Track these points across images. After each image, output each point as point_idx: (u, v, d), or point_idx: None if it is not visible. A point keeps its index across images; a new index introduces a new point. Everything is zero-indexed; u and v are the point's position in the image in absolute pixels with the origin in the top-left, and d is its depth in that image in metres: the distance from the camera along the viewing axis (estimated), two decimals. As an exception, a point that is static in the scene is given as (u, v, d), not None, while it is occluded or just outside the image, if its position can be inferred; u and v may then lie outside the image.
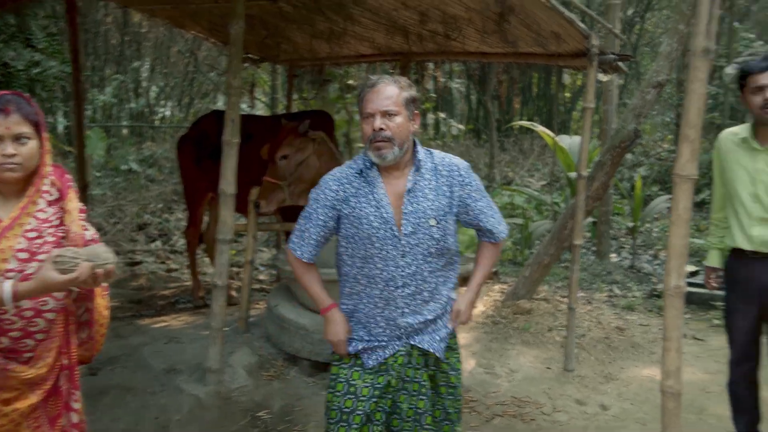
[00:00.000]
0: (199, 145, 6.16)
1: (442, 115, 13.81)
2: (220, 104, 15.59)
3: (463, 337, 5.77)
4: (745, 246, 3.69)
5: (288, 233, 6.36)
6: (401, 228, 2.75)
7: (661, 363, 2.68)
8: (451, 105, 19.43)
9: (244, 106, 12.05)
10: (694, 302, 7.12)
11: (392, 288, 2.77)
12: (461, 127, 17.35)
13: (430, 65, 7.05)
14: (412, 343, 2.84)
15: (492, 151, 15.79)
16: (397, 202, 2.78)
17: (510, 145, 18.86)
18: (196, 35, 7.18)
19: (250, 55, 7.33)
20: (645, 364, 5.61)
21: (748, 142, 3.68)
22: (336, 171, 2.89)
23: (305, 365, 4.87)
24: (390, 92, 2.74)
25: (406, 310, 2.79)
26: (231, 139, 4.34)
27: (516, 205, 11.02)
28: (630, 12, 19.33)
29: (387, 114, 2.73)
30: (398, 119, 2.74)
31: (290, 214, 6.05)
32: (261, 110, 14.26)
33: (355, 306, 2.87)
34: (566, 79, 8.81)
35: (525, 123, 11.38)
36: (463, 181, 2.89)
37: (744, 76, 3.64)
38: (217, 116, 6.31)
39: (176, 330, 5.57)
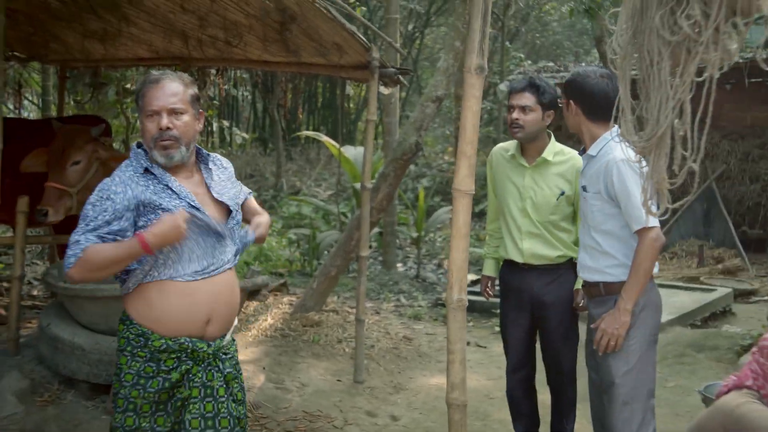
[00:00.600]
0: None
1: (226, 123, 13.52)
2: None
3: (251, 351, 5.62)
4: (517, 258, 3.88)
5: (61, 246, 5.88)
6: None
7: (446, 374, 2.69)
8: (237, 113, 19.13)
9: (10, 107, 11.15)
10: (476, 310, 7.41)
11: None
12: (245, 135, 17.13)
13: (212, 71, 6.83)
14: None
15: (279, 161, 15.72)
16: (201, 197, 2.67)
17: (297, 154, 18.91)
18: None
19: (15, 54, 6.73)
20: (432, 373, 5.74)
21: (516, 159, 3.89)
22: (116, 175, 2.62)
23: (83, 388, 4.51)
24: (175, 89, 2.58)
25: None
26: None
27: (303, 215, 11.02)
28: (410, 27, 20.07)
29: (174, 112, 2.56)
30: (185, 117, 2.59)
31: (63, 226, 5.61)
32: (33, 113, 13.24)
33: None
34: (349, 90, 8.91)
35: (310, 133, 11.45)
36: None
37: (509, 93, 3.95)
38: None
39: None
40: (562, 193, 3.81)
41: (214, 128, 15.80)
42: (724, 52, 2.23)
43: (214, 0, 4.56)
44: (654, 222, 3.06)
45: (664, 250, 10.36)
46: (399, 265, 10.09)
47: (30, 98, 13.56)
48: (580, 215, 3.51)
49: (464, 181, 2.58)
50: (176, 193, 2.57)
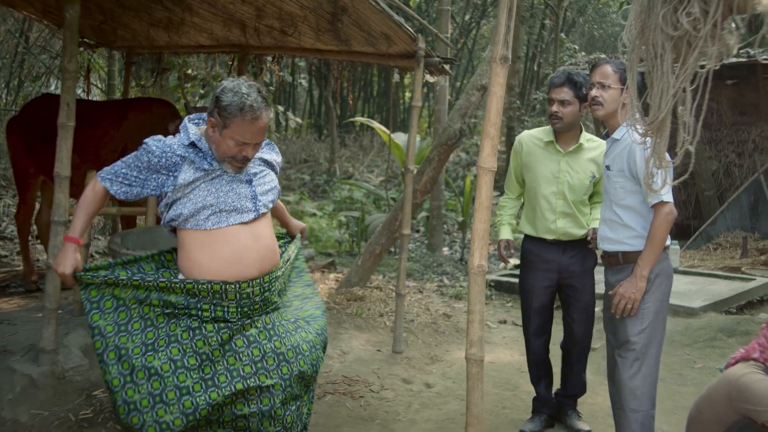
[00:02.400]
0: (29, 129, 6.02)
1: (281, 108, 13.92)
2: (52, 88, 14.91)
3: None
4: (549, 236, 4.27)
5: (126, 218, 6.33)
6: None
7: (467, 332, 2.98)
8: (294, 99, 19.56)
9: (78, 91, 11.68)
10: (516, 292, 7.67)
11: None
12: (299, 120, 17.52)
13: (269, 59, 7.17)
14: None
15: (333, 146, 16.09)
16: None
17: (350, 140, 19.25)
18: (28, 16, 6.94)
19: (85, 40, 7.17)
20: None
21: (553, 146, 4.24)
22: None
23: (140, 345, 4.90)
24: (266, 122, 2.89)
25: None
26: (66, 122, 4.32)
27: (355, 199, 11.34)
28: (467, 17, 20.22)
29: (258, 144, 2.91)
30: (259, 147, 2.96)
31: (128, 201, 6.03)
32: (97, 96, 13.80)
33: None
34: (396, 77, 9.20)
35: (363, 119, 11.72)
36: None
37: (549, 87, 4.23)
38: (49, 99, 6.18)
39: (8, 313, 5.42)
40: (593, 176, 4.23)
41: (271, 114, 16.21)
42: (722, 45, 2.49)
43: (270, -8, 4.89)
44: (669, 197, 3.41)
45: (708, 241, 10.43)
46: (445, 248, 10.37)
47: (96, 83, 14.11)
48: (602, 192, 3.81)
49: (487, 159, 2.88)
50: (212, 167, 2.91)
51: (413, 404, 4.80)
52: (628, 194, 3.56)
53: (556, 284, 4.32)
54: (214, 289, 2.78)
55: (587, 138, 4.28)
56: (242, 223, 2.90)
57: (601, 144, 4.24)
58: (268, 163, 3.14)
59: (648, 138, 2.66)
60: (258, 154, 3.09)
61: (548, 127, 4.32)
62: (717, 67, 2.49)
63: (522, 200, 4.50)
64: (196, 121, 3.04)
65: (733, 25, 2.48)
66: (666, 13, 2.49)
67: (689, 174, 2.76)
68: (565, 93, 4.11)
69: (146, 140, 2.96)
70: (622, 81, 3.58)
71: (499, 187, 11.08)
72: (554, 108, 4.14)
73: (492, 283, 7.92)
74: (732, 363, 3.47)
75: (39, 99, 6.43)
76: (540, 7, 16.67)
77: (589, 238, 4.20)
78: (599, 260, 3.99)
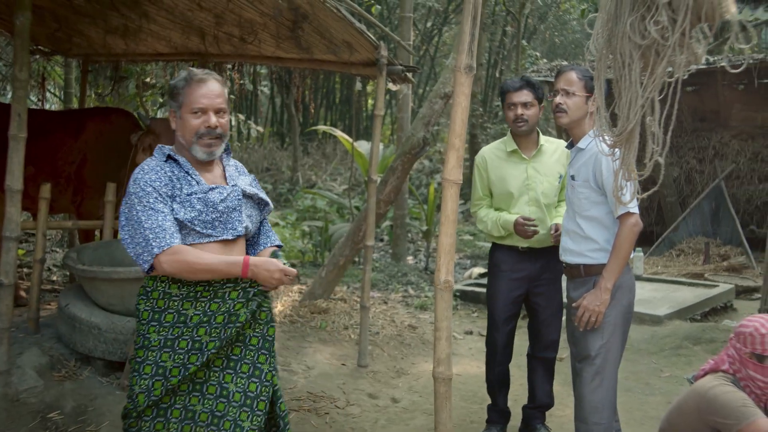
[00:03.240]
0: None
1: (242, 117, 13.78)
2: (9, 96, 14.61)
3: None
4: (521, 244, 4.22)
5: (82, 231, 6.15)
6: None
7: (433, 350, 2.89)
8: (255, 108, 19.40)
9: (34, 99, 11.42)
10: (482, 302, 7.62)
11: None
12: (261, 129, 17.38)
13: (228, 66, 7.04)
14: None
15: (295, 155, 15.96)
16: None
17: (313, 149, 19.14)
18: (-23, 22, 6.74)
19: (39, 48, 6.99)
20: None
21: (518, 154, 4.21)
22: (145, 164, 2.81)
23: (99, 365, 4.74)
24: (219, 89, 2.77)
25: None
26: (18, 133, 4.17)
27: (318, 208, 11.23)
28: (429, 24, 20.23)
29: (219, 111, 2.76)
30: (227, 116, 2.80)
31: (84, 212, 5.87)
32: (54, 105, 13.53)
33: None
34: (358, 86, 9.13)
35: (325, 128, 11.64)
36: (255, 182, 3.07)
37: (503, 93, 4.21)
38: None
39: (-44, 334, 5.22)
40: (561, 176, 4.25)
41: (232, 122, 16.06)
42: (690, 54, 2.43)
43: (230, -1, 4.78)
44: (635, 209, 3.37)
45: (671, 248, 10.51)
46: (409, 257, 10.29)
47: (52, 91, 13.84)
48: (566, 203, 3.75)
49: (453, 172, 2.80)
50: (195, 180, 2.76)
51: (380, 420, 4.71)
52: (593, 205, 3.51)
53: (525, 293, 4.29)
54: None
55: (545, 140, 4.29)
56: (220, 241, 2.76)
57: (559, 144, 4.30)
58: (257, 204, 2.97)
59: (616, 149, 2.60)
60: (252, 189, 2.93)
61: (506, 138, 4.32)
62: (685, 76, 2.45)
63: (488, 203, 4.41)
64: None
65: (701, 33, 2.43)
66: (634, 22, 2.44)
67: (658, 185, 2.70)
68: (526, 95, 4.12)
69: (130, 183, 2.73)
70: (588, 89, 3.53)
71: (464, 194, 11.04)
72: (519, 111, 4.12)
73: (457, 293, 7.86)
74: (701, 375, 3.45)
75: None
76: (501, 14, 16.74)
77: (552, 233, 4.13)
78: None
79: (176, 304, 2.71)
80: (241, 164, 3.08)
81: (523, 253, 4.24)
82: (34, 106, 9.81)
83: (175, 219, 2.66)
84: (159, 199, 2.65)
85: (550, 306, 4.28)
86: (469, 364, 5.89)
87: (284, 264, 2.76)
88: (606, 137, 2.57)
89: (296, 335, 6.00)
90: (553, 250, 4.15)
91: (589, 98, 3.53)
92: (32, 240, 8.41)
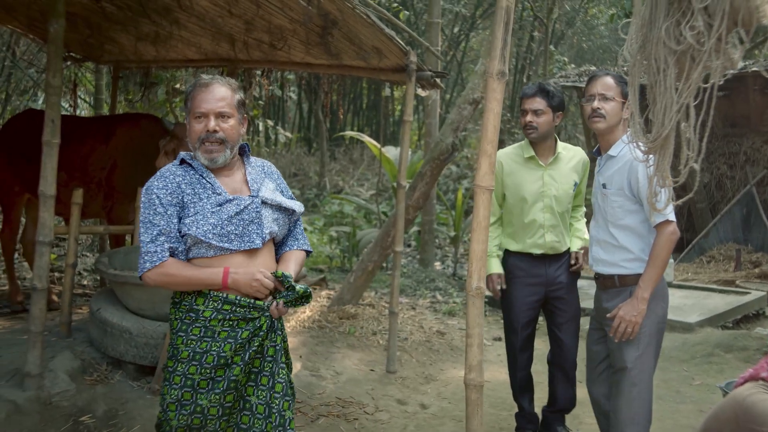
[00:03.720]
0: (12, 145, 5.90)
1: (270, 122, 13.86)
2: (40, 102, 14.81)
3: (289, 341, 5.83)
4: (537, 251, 4.23)
5: (113, 236, 6.23)
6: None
7: (465, 356, 2.88)
8: (283, 113, 19.49)
9: (65, 105, 11.57)
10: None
11: None
12: (289, 135, 17.45)
13: (258, 72, 7.08)
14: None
15: (322, 160, 16.01)
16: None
17: (340, 154, 19.19)
18: (14, 30, 6.85)
19: (72, 54, 7.08)
20: (463, 366, 5.89)
21: (535, 160, 4.22)
22: (159, 172, 2.83)
23: (130, 369, 4.78)
24: (224, 93, 2.76)
25: None
26: (51, 139, 4.23)
27: (345, 214, 11.24)
28: (456, 29, 20.22)
29: (221, 115, 2.74)
30: (231, 121, 2.76)
31: (115, 217, 5.94)
32: (85, 111, 13.70)
33: None
34: (387, 91, 9.12)
35: (353, 133, 11.66)
36: (282, 183, 3.04)
37: (520, 98, 4.24)
38: (32, 115, 6.08)
39: (-7, 335, 5.29)
40: (576, 184, 4.28)
41: (260, 128, 16.15)
42: (726, 60, 2.40)
43: (259, 6, 4.78)
44: (673, 216, 3.32)
45: (702, 254, 10.39)
46: (437, 263, 10.28)
47: (83, 97, 14.01)
48: (595, 212, 3.70)
49: (485, 178, 2.78)
50: (210, 184, 2.76)
51: (408, 426, 4.70)
52: (627, 214, 3.46)
53: (543, 298, 4.29)
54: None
55: (563, 147, 4.31)
56: (243, 251, 2.76)
57: (576, 151, 4.34)
58: (284, 210, 2.92)
59: (651, 155, 2.57)
60: (277, 199, 2.88)
61: (524, 143, 4.31)
62: (721, 82, 2.42)
63: (498, 223, 4.42)
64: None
65: (737, 38, 2.40)
66: (669, 27, 2.41)
67: (693, 191, 2.67)
68: (538, 103, 4.12)
69: (143, 190, 2.79)
70: (623, 94, 3.50)
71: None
72: (528, 118, 4.14)
73: (486, 300, 7.82)
74: (740, 383, 3.40)
75: (22, 114, 6.32)
76: (529, 19, 16.67)
77: (572, 263, 4.22)
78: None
79: (203, 319, 2.72)
80: (269, 164, 3.04)
81: (537, 259, 4.25)
82: (65, 112, 9.94)
83: (188, 234, 2.67)
84: (159, 209, 2.68)
85: (569, 309, 4.28)
86: (498, 371, 5.85)
87: (299, 288, 2.76)
88: (641, 143, 2.54)
89: (325, 341, 6.01)
90: (566, 255, 4.26)
91: (624, 104, 3.49)
92: (63, 245, 8.52)
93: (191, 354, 2.71)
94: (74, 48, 6.90)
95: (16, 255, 6.70)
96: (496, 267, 4.34)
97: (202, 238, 2.66)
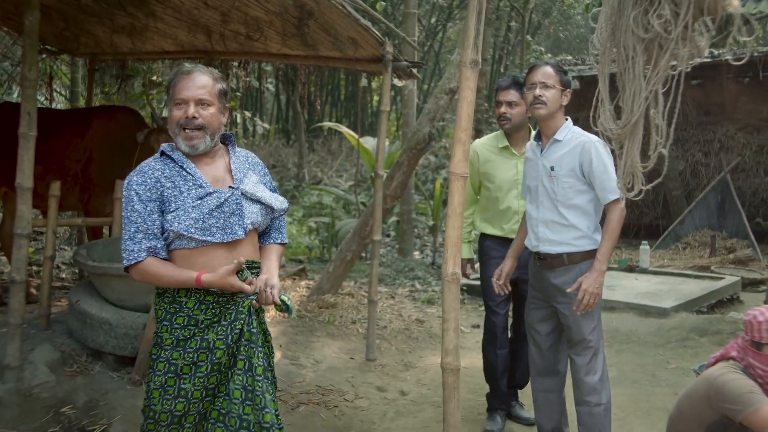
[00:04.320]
0: None
1: (248, 114, 13.83)
2: (15, 96, 14.68)
3: (270, 331, 5.88)
4: (511, 236, 4.36)
5: (91, 228, 6.22)
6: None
7: (441, 341, 2.93)
8: (261, 104, 19.43)
9: (41, 98, 11.48)
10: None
11: None
12: (267, 126, 17.42)
13: (235, 64, 7.07)
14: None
15: (301, 151, 16.00)
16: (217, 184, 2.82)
17: (319, 145, 19.17)
18: (-15, 22, 6.80)
19: (47, 47, 7.03)
20: (441, 352, 6.01)
21: (509, 150, 4.39)
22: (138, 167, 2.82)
23: (110, 360, 4.79)
24: (205, 81, 2.77)
25: None
26: (27, 132, 4.22)
27: (324, 204, 11.28)
28: (433, 20, 20.25)
29: (201, 103, 2.75)
30: (211, 109, 2.77)
31: (92, 210, 5.93)
32: (61, 104, 13.59)
33: None
34: (364, 82, 9.15)
35: (330, 124, 11.69)
36: (266, 177, 3.04)
37: (495, 90, 4.40)
38: (7, 108, 6.04)
39: (-31, 330, 5.27)
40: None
41: (238, 119, 16.10)
42: (693, 47, 2.46)
43: (235, -3, 4.81)
44: (621, 193, 3.46)
45: (677, 241, 10.52)
46: (416, 252, 10.33)
47: (59, 90, 13.90)
48: (537, 194, 3.77)
49: (459, 165, 2.84)
50: (190, 175, 2.76)
51: (388, 413, 4.75)
52: (577, 194, 3.64)
53: (515, 279, 4.37)
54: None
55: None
56: (225, 243, 2.76)
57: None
58: (262, 203, 2.89)
59: (621, 142, 2.63)
60: (257, 193, 2.86)
61: (498, 133, 4.48)
62: (688, 69, 2.48)
63: (473, 210, 4.62)
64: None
65: (704, 26, 2.46)
66: (637, 16, 2.47)
67: (662, 176, 2.73)
68: (512, 95, 4.29)
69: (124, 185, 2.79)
70: (562, 83, 3.66)
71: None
72: (502, 109, 4.32)
73: (464, 287, 7.89)
74: (711, 363, 3.49)
75: None
76: (506, 9, 16.73)
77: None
78: None
79: (187, 309, 2.75)
80: (253, 156, 3.05)
81: (510, 241, 4.35)
82: (41, 105, 9.86)
83: (170, 230, 2.68)
84: (137, 206, 2.69)
85: None
86: (477, 357, 5.90)
87: (291, 307, 2.85)
88: (611, 130, 2.60)
89: (304, 330, 6.04)
90: None
91: (563, 91, 3.67)
92: (40, 238, 8.48)
93: (175, 341, 2.74)
94: (49, 41, 6.86)
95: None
96: (467, 252, 4.56)
97: (185, 233, 2.67)
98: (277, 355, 5.42)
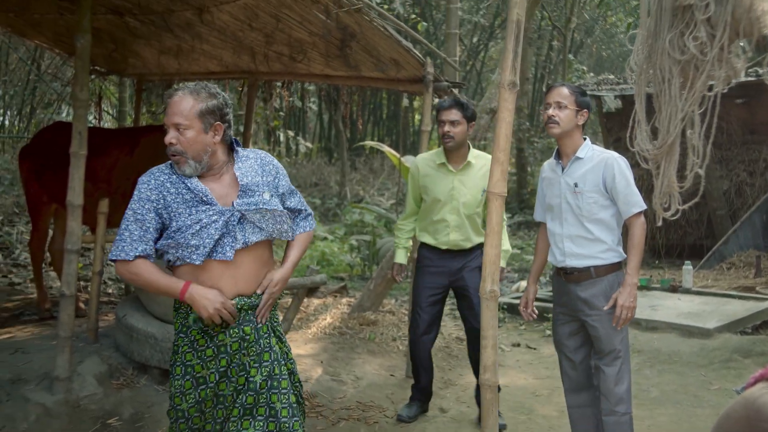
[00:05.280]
0: (41, 157, 6.08)
1: (291, 133, 14.02)
2: (64, 115, 15.08)
3: (311, 347, 5.99)
4: (443, 246, 4.74)
5: None
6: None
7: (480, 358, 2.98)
8: (303, 124, 19.67)
9: (90, 118, 11.78)
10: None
11: None
12: (309, 145, 17.61)
13: (278, 84, 7.21)
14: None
15: (343, 170, 16.14)
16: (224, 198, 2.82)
17: (361, 164, 19.32)
18: (39, 45, 7.03)
19: (97, 68, 7.25)
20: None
21: (445, 167, 4.69)
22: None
23: (155, 373, 4.90)
24: (184, 105, 2.71)
25: None
26: (78, 150, 4.37)
27: (366, 223, 11.35)
28: (475, 39, 20.33)
29: (178, 127, 2.71)
30: (189, 133, 2.71)
31: None
32: (108, 123, 13.95)
33: None
34: (406, 101, 9.21)
35: (372, 143, 11.76)
36: (279, 175, 3.00)
37: (437, 110, 4.68)
38: (60, 127, 6.25)
39: (22, 341, 5.40)
40: (484, 191, 4.58)
41: (281, 138, 16.31)
42: (730, 69, 2.50)
43: (279, 20, 4.92)
44: (644, 205, 3.62)
45: (721, 261, 10.38)
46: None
47: (107, 109, 14.26)
48: (561, 210, 3.80)
49: (497, 185, 2.90)
50: (187, 188, 2.77)
51: (427, 429, 4.79)
52: (601, 209, 3.70)
53: (447, 286, 4.81)
54: None
55: (475, 155, 4.75)
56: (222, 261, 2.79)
57: (488, 160, 4.52)
58: (249, 188, 2.88)
59: (658, 162, 2.67)
60: (261, 206, 2.85)
61: (439, 150, 4.78)
62: (725, 90, 2.51)
63: (413, 219, 4.95)
64: None
65: (740, 48, 2.49)
66: (673, 38, 2.52)
67: (698, 196, 2.76)
68: (454, 114, 4.56)
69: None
70: (578, 103, 3.71)
71: (510, 208, 11.02)
72: (446, 128, 4.58)
73: (504, 306, 7.90)
74: (752, 383, 3.46)
75: (50, 127, 6.51)
76: (547, 28, 16.76)
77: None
78: None
79: (201, 323, 2.80)
80: (265, 154, 3.01)
81: (443, 252, 4.74)
82: (90, 125, 10.12)
83: (167, 242, 2.74)
84: (138, 207, 2.75)
85: (474, 299, 4.64)
86: (517, 376, 5.93)
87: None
88: (648, 150, 2.64)
89: (345, 346, 6.11)
90: (468, 251, 4.75)
91: (579, 112, 3.72)
92: (88, 254, 8.69)
93: (190, 344, 2.81)
94: (99, 62, 7.07)
95: (43, 264, 6.86)
96: (400, 257, 5.00)
97: (181, 257, 2.74)
98: (319, 371, 5.49)
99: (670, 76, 2.54)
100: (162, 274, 2.77)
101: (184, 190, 2.77)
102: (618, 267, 3.74)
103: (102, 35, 5.85)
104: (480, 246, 4.71)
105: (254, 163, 2.92)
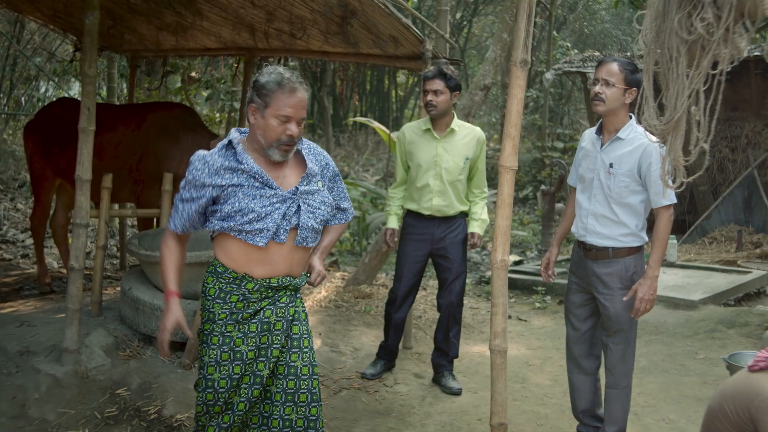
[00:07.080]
0: (46, 133, 6.12)
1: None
2: (42, 90, 14.93)
3: (309, 320, 6.09)
4: (426, 212, 4.93)
5: (142, 219, 6.44)
6: None
7: (490, 324, 3.11)
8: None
9: (73, 93, 11.71)
10: (518, 287, 7.88)
11: None
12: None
13: (271, 60, 7.24)
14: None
15: (328, 146, 16.19)
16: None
17: (345, 140, 19.35)
18: (35, 20, 7.01)
19: (90, 44, 7.23)
20: (475, 342, 6.20)
21: (430, 133, 4.90)
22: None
23: (162, 345, 5.00)
24: (305, 100, 2.82)
25: None
26: (87, 126, 4.42)
27: (352, 198, 11.45)
28: (458, 16, 20.35)
29: (301, 121, 2.83)
30: (302, 124, 2.86)
31: (144, 202, 6.11)
32: (99, 99, 13.86)
33: None
34: (401, 78, 9.28)
35: (362, 119, 11.82)
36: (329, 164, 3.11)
37: (422, 80, 4.84)
38: (65, 103, 6.28)
39: (27, 315, 5.47)
40: (467, 159, 4.91)
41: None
42: (734, 48, 2.63)
43: (282, -4, 4.98)
44: (674, 199, 3.67)
45: (704, 235, 10.61)
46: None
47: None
48: (592, 187, 3.87)
49: (509, 159, 3.01)
50: (246, 165, 2.82)
51: (426, 398, 4.93)
52: (631, 194, 3.74)
53: (428, 254, 5.01)
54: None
55: (459, 124, 4.96)
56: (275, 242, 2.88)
57: (472, 130, 5.00)
58: (312, 176, 2.98)
59: (664, 137, 2.79)
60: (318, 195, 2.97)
61: (426, 118, 4.96)
62: (728, 68, 2.63)
63: (404, 187, 5.13)
64: (243, 131, 3.00)
65: (743, 28, 2.62)
66: (681, 18, 2.63)
67: (703, 168, 2.89)
68: (437, 84, 4.74)
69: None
70: (627, 81, 3.66)
71: (494, 184, 11.15)
72: (429, 98, 4.77)
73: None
74: (761, 365, 2.90)
75: (55, 103, 6.55)
76: (532, 5, 16.78)
77: (470, 243, 4.94)
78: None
79: (245, 290, 2.87)
80: (315, 146, 3.10)
81: (426, 218, 4.94)
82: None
83: (218, 227, 2.85)
84: (189, 191, 2.84)
85: (452, 269, 4.97)
86: (510, 347, 6.05)
87: None
88: (655, 126, 2.76)
89: (342, 319, 6.24)
90: (452, 219, 4.93)
91: (627, 90, 3.67)
92: (90, 228, 8.74)
93: (228, 314, 2.87)
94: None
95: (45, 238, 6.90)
96: (392, 223, 5.17)
97: (243, 238, 2.82)
98: (318, 342, 5.62)
99: (678, 54, 2.65)
100: (169, 264, 2.93)
101: (243, 175, 2.83)
102: (637, 250, 3.79)
103: (102, 12, 5.84)
104: (462, 215, 5.00)
105: (308, 152, 3.02)
